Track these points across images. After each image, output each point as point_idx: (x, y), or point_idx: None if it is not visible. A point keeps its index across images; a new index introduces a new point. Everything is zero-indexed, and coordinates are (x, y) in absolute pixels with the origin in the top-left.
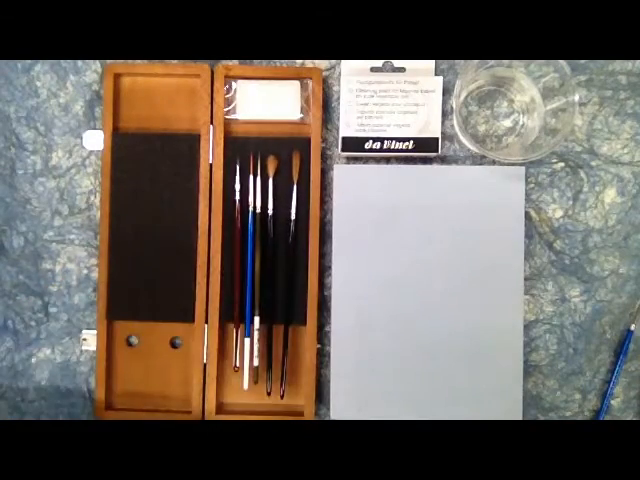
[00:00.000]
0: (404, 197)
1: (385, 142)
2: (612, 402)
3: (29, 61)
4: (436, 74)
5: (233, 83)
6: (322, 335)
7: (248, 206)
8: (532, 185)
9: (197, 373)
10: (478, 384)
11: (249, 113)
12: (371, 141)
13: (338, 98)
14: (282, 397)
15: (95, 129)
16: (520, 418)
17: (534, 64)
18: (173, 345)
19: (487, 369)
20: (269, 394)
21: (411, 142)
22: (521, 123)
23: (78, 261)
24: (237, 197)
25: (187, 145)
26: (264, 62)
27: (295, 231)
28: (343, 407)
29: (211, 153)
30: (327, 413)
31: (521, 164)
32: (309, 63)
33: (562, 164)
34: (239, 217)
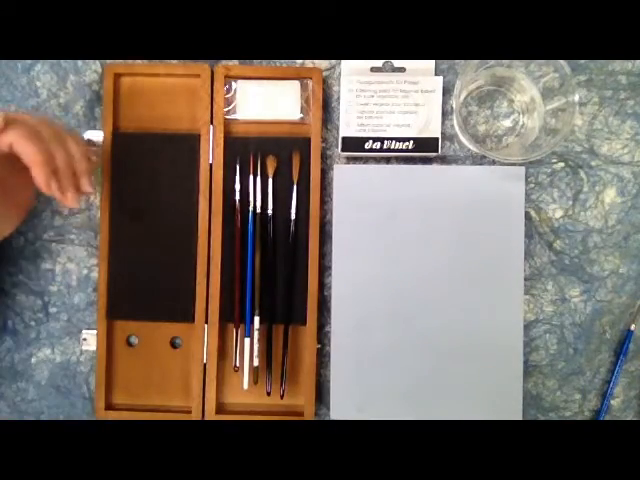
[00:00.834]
0: (404, 197)
1: (385, 142)
2: (612, 402)
3: (29, 61)
4: (436, 74)
5: (233, 83)
6: (322, 335)
7: (248, 206)
8: (532, 185)
9: (197, 373)
10: (478, 384)
11: (249, 113)
12: (371, 141)
13: (338, 98)
14: (282, 397)
15: (95, 129)
16: (520, 418)
17: (534, 64)
18: (173, 345)
19: (487, 369)
20: (269, 394)
21: (411, 142)
22: (521, 123)
23: (78, 261)
24: (237, 197)
25: (187, 145)
26: (264, 62)
27: (295, 231)
28: (343, 407)
29: (211, 153)
30: (327, 413)
31: (521, 164)
32: (309, 63)
33: (562, 164)
34: (239, 217)
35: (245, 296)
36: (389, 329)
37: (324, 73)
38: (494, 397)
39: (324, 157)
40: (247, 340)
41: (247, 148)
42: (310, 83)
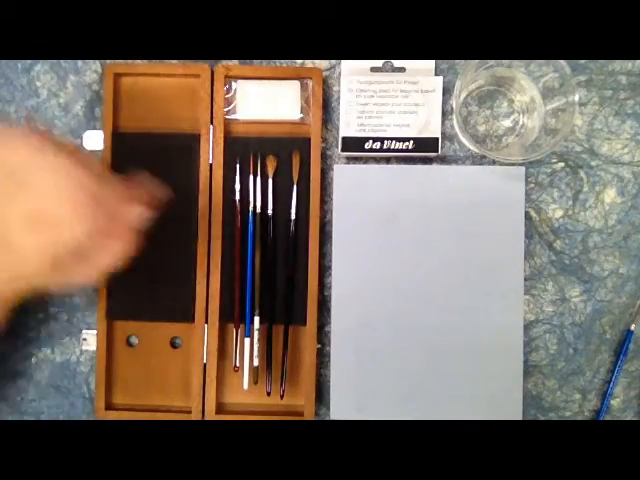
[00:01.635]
0: (404, 197)
1: (385, 142)
2: (612, 402)
3: (29, 61)
4: (436, 74)
5: (233, 83)
6: (322, 335)
7: (248, 206)
8: (532, 185)
9: (197, 373)
10: (478, 384)
11: (249, 113)
12: (371, 141)
13: (338, 98)
14: (282, 397)
15: (95, 129)
16: (520, 418)
17: (534, 64)
18: (173, 345)
19: (487, 369)
20: (269, 394)
21: (411, 142)
22: (521, 123)
23: None
24: (237, 197)
25: (187, 145)
26: (264, 62)
27: (295, 231)
28: (343, 407)
29: (211, 153)
30: (327, 413)
31: (521, 164)
32: (309, 63)
33: (562, 164)
34: (239, 217)
35: (245, 296)
36: (389, 329)
37: (324, 73)
38: (494, 397)
39: (324, 157)
40: (247, 340)
41: (247, 148)
42: (310, 83)
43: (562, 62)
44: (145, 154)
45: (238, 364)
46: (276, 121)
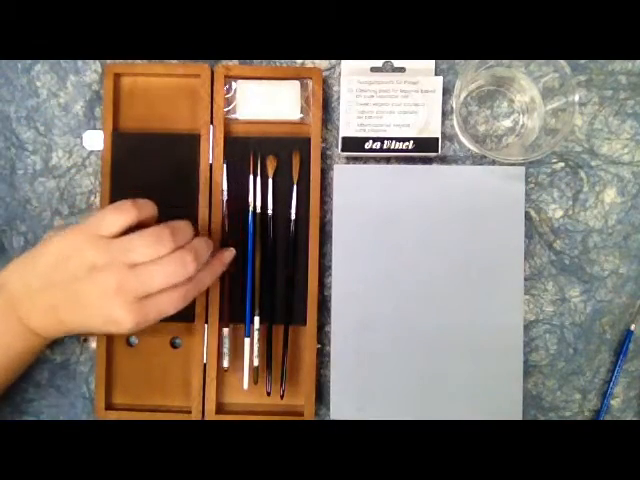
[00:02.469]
0: (404, 197)
1: (385, 142)
2: (612, 402)
3: (29, 61)
4: (436, 74)
5: (233, 83)
6: (322, 335)
7: (248, 206)
8: (532, 185)
9: (197, 373)
10: (478, 384)
11: (249, 113)
12: (371, 141)
13: (338, 98)
14: (282, 397)
15: (95, 129)
16: (520, 418)
17: (534, 64)
18: (173, 345)
19: (487, 369)
20: (269, 394)
21: (411, 142)
22: (521, 123)
23: None
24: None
25: (187, 145)
26: (264, 62)
27: (295, 231)
28: (343, 407)
29: (211, 153)
30: (327, 413)
31: (521, 164)
32: (309, 63)
33: (562, 164)
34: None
35: (245, 296)
36: (389, 329)
37: (324, 73)
38: (494, 397)
39: (324, 157)
40: (247, 340)
41: (247, 148)
42: (310, 83)
43: (562, 62)
44: (145, 154)
45: (226, 364)
46: (276, 121)
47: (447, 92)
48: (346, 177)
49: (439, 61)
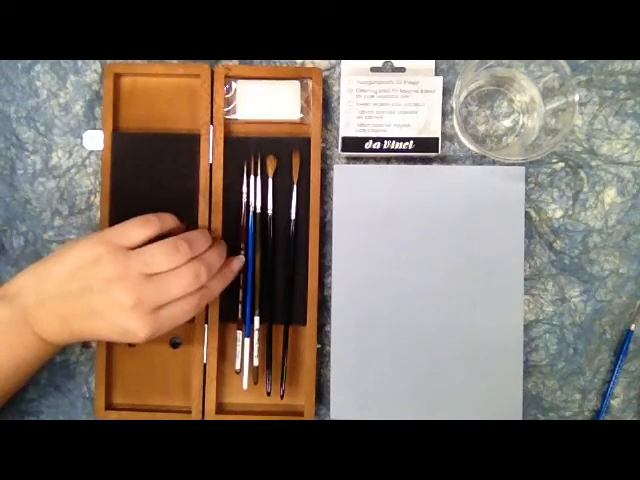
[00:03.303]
0: (404, 197)
1: (385, 142)
2: (612, 402)
3: (29, 61)
4: (436, 74)
5: (233, 83)
6: (322, 335)
7: (248, 206)
8: (532, 185)
9: (197, 373)
10: (478, 384)
11: (249, 113)
12: (371, 141)
13: (338, 98)
14: (282, 397)
15: (95, 129)
16: (520, 418)
17: (534, 64)
18: (173, 345)
19: (487, 369)
20: (269, 394)
21: (411, 142)
22: (521, 123)
23: None
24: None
25: (187, 145)
26: (264, 62)
27: (295, 231)
28: (343, 407)
29: (211, 153)
30: (327, 413)
31: (521, 164)
32: (309, 63)
33: (562, 164)
34: (239, 217)
35: (245, 296)
36: (389, 329)
37: (324, 73)
38: (494, 397)
39: (324, 157)
40: (247, 340)
41: (247, 148)
42: (310, 83)
43: (562, 62)
44: (145, 154)
45: (238, 366)
46: (276, 121)
47: (447, 92)
48: (346, 177)
49: (439, 61)
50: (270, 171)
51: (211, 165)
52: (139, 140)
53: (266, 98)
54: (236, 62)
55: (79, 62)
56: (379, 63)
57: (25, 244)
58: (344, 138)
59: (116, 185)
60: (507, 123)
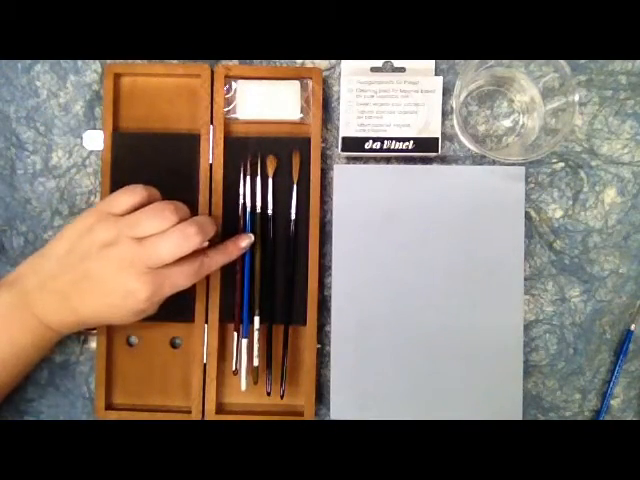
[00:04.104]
0: (404, 197)
1: (385, 142)
2: (612, 402)
3: (29, 61)
4: (436, 74)
5: (233, 83)
6: (322, 335)
7: (247, 206)
8: (532, 185)
9: (197, 373)
10: (478, 384)
11: (249, 113)
12: (371, 141)
13: (338, 98)
14: (282, 397)
15: (95, 129)
16: (520, 418)
17: (534, 64)
18: (173, 345)
19: (487, 369)
20: (269, 394)
21: (411, 142)
22: (521, 123)
23: None
24: (238, 197)
25: (187, 145)
26: (264, 62)
27: (295, 231)
28: (343, 407)
29: (211, 153)
30: (327, 413)
31: (521, 164)
32: (309, 63)
33: (562, 164)
34: (239, 217)
35: (242, 297)
36: (389, 329)
37: (324, 73)
38: (494, 397)
39: (324, 157)
40: (244, 341)
41: (247, 148)
42: (310, 83)
43: (562, 62)
44: (145, 154)
45: (237, 367)
46: (276, 121)
47: (447, 92)
48: (346, 177)
49: (439, 61)
50: (270, 171)
51: (211, 165)
52: (139, 140)
53: (266, 98)
54: (236, 62)
55: (79, 62)
56: (379, 63)
57: (25, 244)
58: (344, 138)
59: (116, 185)
60: (507, 123)
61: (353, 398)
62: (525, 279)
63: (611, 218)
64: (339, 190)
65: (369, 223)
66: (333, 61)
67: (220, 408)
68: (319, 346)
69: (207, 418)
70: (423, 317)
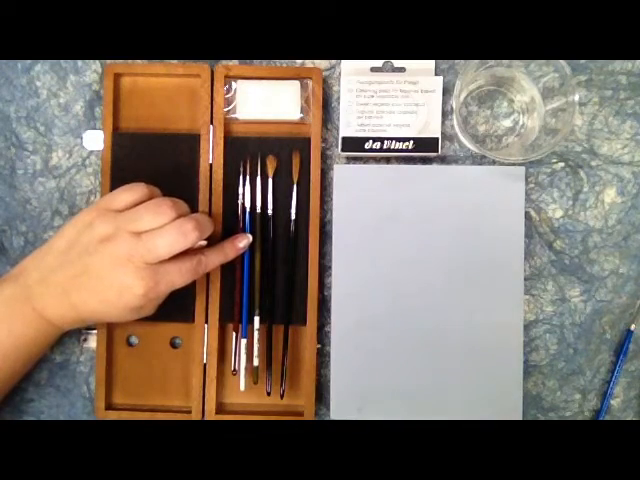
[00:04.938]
0: (404, 197)
1: (385, 142)
2: (612, 402)
3: (29, 61)
4: (436, 74)
5: (233, 83)
6: (322, 335)
7: (246, 206)
8: (532, 185)
9: (197, 373)
10: (478, 384)
11: (249, 113)
12: (371, 141)
13: (338, 98)
14: (282, 397)
15: (95, 129)
16: (520, 418)
17: (534, 64)
18: (173, 345)
19: (487, 369)
20: (269, 394)
21: (411, 142)
22: (521, 123)
23: None
24: (238, 197)
25: (187, 145)
26: (264, 62)
27: (295, 231)
28: (343, 407)
29: (211, 153)
30: (327, 413)
31: (521, 164)
32: (309, 63)
33: (562, 164)
34: (239, 217)
35: (242, 297)
36: (389, 329)
37: (324, 73)
38: (494, 397)
39: (324, 157)
40: (244, 341)
41: (247, 148)
42: (310, 83)
43: (562, 62)
44: (145, 154)
45: (236, 367)
46: (276, 121)
47: (447, 92)
48: (346, 177)
49: (439, 61)
50: (270, 171)
51: (211, 165)
52: (139, 140)
53: (266, 98)
54: (236, 62)
55: (79, 62)
56: (379, 63)
57: (25, 244)
58: (344, 138)
59: (116, 185)
60: (507, 123)
61: (353, 398)
62: (525, 279)
63: (611, 218)
64: (339, 190)
65: (369, 223)
66: (333, 61)
67: (220, 408)
68: (319, 346)
69: (207, 418)
70: (423, 317)
